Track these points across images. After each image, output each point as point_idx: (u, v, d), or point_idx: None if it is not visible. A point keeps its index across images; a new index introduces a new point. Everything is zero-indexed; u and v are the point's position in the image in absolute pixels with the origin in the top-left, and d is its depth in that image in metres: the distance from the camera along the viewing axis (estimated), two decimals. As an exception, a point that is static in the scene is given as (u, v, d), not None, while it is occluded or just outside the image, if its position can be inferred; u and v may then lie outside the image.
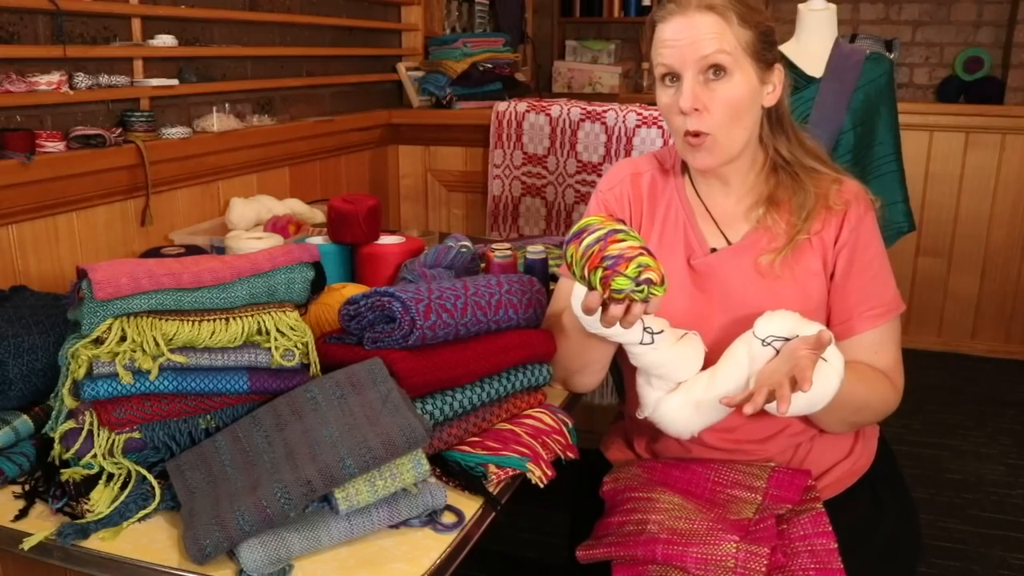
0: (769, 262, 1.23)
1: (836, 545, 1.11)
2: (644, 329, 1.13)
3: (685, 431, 1.18)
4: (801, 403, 1.08)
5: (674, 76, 1.18)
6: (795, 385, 1.01)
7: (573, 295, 1.13)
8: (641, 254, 1.01)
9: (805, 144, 1.28)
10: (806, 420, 1.25)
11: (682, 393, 1.17)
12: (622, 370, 1.37)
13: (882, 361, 1.23)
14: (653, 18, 1.22)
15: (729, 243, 1.27)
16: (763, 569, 1.05)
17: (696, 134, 1.18)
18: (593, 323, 1.11)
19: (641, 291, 1.01)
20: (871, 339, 1.23)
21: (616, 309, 1.04)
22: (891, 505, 1.30)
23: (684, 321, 1.21)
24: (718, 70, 1.16)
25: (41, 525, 0.94)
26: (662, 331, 1.14)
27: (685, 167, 1.33)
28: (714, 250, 1.27)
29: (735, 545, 1.07)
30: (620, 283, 1.00)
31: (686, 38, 1.16)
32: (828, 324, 1.23)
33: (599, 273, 1.01)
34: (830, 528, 1.12)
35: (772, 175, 1.28)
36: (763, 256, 1.23)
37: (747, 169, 1.27)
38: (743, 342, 1.15)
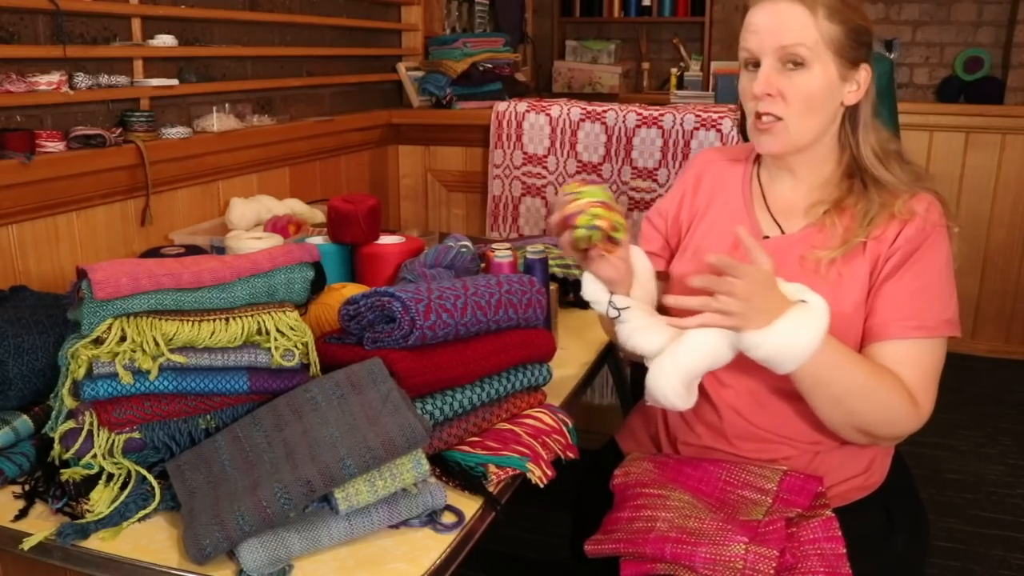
0: (816, 259, 1.22)
1: (845, 550, 1.10)
2: (608, 303, 1.23)
3: (668, 389, 1.15)
4: (770, 344, 1.08)
5: (755, 61, 1.21)
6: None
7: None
8: (595, 206, 1.17)
9: (884, 149, 1.24)
10: (818, 425, 1.24)
11: (657, 358, 1.19)
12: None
13: (904, 374, 1.18)
14: (747, 2, 1.24)
15: (783, 234, 1.28)
16: (771, 571, 1.05)
17: (769, 117, 1.21)
18: (585, 291, 1.25)
19: (590, 236, 1.17)
20: (896, 349, 1.19)
21: (579, 253, 1.20)
22: (903, 522, 1.29)
23: None
24: (796, 61, 1.18)
25: (41, 525, 0.94)
26: (628, 307, 1.21)
27: (758, 157, 1.35)
28: (767, 238, 1.28)
29: (744, 546, 1.07)
30: (577, 232, 1.17)
31: (769, 25, 1.19)
32: (865, 323, 1.22)
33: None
34: (840, 533, 1.12)
35: (846, 180, 1.26)
36: (812, 252, 1.23)
37: (818, 164, 1.26)
38: None
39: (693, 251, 1.35)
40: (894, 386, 1.17)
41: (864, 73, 1.22)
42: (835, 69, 1.19)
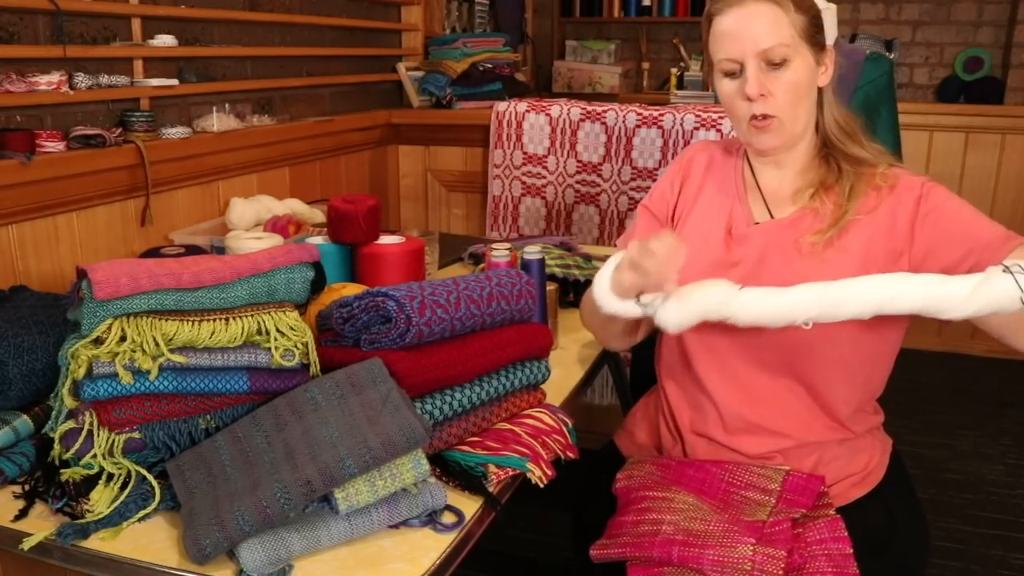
0: (811, 243, 1.23)
1: (852, 551, 1.11)
2: (638, 304, 1.17)
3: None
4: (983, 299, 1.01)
5: (736, 66, 1.21)
6: None
7: (596, 281, 1.21)
8: None
9: (849, 124, 1.27)
10: (812, 418, 1.24)
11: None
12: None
13: None
14: (710, 11, 1.24)
15: (772, 219, 1.29)
16: (780, 572, 1.05)
17: (763, 117, 1.21)
18: (605, 304, 1.19)
19: None
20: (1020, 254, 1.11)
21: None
22: (904, 520, 1.29)
23: None
24: (780, 61, 1.19)
25: (41, 525, 0.94)
26: (655, 300, 1.16)
27: (746, 152, 1.36)
28: (757, 224, 1.30)
29: (752, 548, 1.07)
30: None
31: (745, 29, 1.19)
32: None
33: None
34: (846, 534, 1.12)
35: (823, 161, 1.29)
36: (806, 236, 1.24)
37: (800, 152, 1.29)
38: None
39: (687, 239, 1.36)
40: None
41: (830, 54, 1.24)
42: (812, 57, 1.21)
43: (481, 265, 1.65)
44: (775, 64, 1.19)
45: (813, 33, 1.21)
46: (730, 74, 1.23)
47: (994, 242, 1.15)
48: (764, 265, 1.26)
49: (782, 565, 1.06)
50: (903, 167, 1.27)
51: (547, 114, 2.67)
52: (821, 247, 1.22)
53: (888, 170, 1.24)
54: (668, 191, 1.41)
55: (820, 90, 1.26)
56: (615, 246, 1.50)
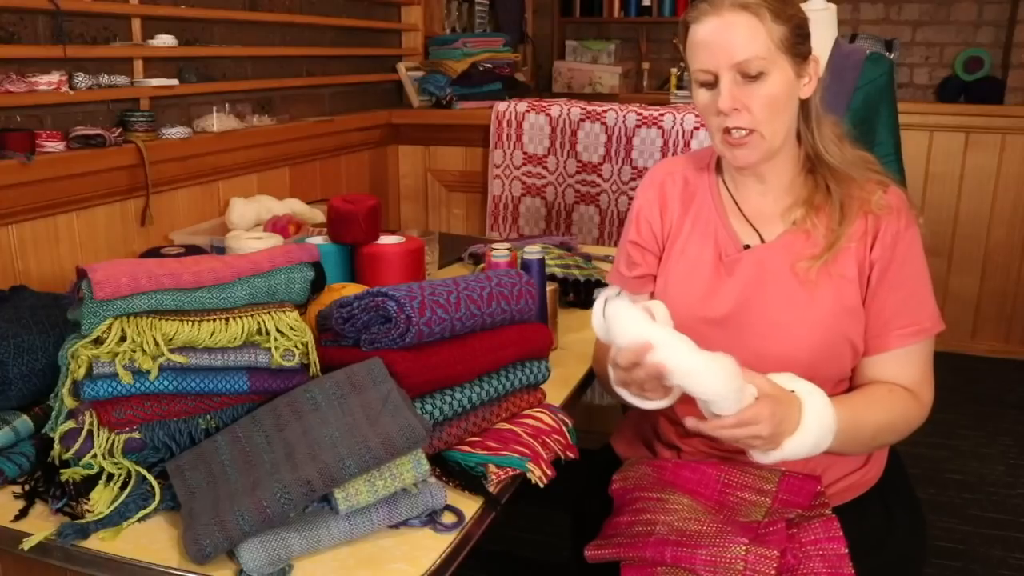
0: (806, 268, 1.21)
1: (847, 551, 1.10)
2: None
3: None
4: (810, 443, 1.10)
5: (711, 77, 1.18)
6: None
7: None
8: None
9: (838, 134, 1.24)
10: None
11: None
12: None
13: (907, 377, 1.22)
14: (687, 19, 1.20)
15: (763, 241, 1.26)
16: (772, 572, 1.05)
17: (738, 131, 1.18)
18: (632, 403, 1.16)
19: None
20: (900, 355, 1.22)
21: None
22: (902, 519, 1.29)
23: (709, 317, 1.23)
24: (755, 73, 1.15)
25: (41, 525, 0.94)
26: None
27: (719, 165, 1.33)
28: (747, 247, 1.27)
29: (744, 548, 1.07)
30: None
31: (721, 40, 1.15)
32: (864, 335, 1.24)
33: None
34: (841, 534, 1.12)
35: (810, 177, 1.25)
36: (801, 262, 1.22)
37: (783, 166, 1.25)
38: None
39: (672, 273, 1.33)
40: (902, 400, 1.21)
41: (813, 65, 1.20)
42: (791, 68, 1.17)
43: (481, 265, 1.65)
44: (751, 77, 1.15)
45: (794, 43, 1.17)
46: (705, 84, 1.19)
47: (897, 329, 1.22)
48: (766, 292, 1.24)
49: (775, 565, 1.06)
50: (897, 191, 1.24)
51: (547, 114, 2.67)
52: (816, 272, 1.21)
53: (883, 198, 1.22)
54: (655, 221, 1.35)
55: (803, 103, 1.22)
56: (607, 283, 1.44)
